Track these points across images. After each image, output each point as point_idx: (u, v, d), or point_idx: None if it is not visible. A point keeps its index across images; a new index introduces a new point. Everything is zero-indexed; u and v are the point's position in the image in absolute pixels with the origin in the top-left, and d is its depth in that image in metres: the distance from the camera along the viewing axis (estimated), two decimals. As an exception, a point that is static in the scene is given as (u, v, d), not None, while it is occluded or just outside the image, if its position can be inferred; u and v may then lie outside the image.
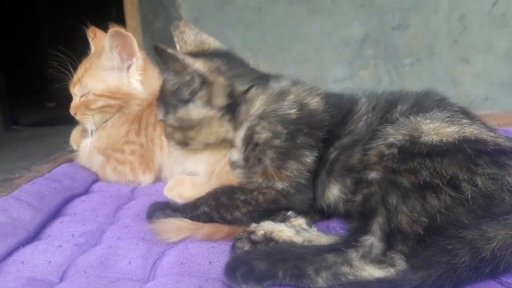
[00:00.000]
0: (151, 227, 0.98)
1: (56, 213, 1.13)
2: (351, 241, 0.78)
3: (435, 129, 0.84)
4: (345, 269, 0.74)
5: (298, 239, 0.87)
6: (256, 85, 1.04)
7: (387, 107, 0.98)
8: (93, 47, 1.45)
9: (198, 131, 1.03)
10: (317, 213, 1.01)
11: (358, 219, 0.83)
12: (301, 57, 2.51)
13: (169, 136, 1.08)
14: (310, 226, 0.95)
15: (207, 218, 0.98)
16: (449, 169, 0.78)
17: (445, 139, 0.82)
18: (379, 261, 0.75)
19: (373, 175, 0.83)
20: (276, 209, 0.96)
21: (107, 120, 1.37)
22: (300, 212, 0.98)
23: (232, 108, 1.02)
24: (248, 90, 1.03)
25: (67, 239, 0.99)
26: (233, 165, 1.05)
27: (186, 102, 1.01)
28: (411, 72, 2.45)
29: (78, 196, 1.24)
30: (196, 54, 1.06)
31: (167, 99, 1.04)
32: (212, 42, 1.14)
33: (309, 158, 0.96)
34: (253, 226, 0.90)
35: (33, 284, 0.82)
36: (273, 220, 0.93)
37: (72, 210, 1.15)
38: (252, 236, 0.87)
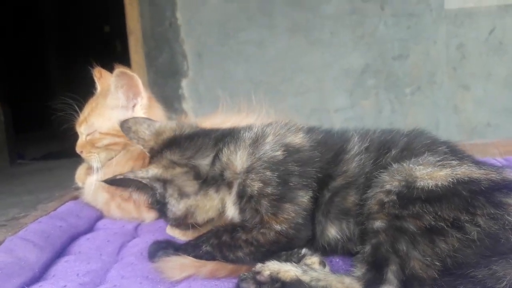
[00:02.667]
0: (155, 265, 0.97)
1: (61, 252, 1.13)
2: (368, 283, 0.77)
3: (428, 174, 0.84)
4: None
5: (305, 278, 0.85)
6: (225, 145, 1.03)
7: (380, 150, 0.98)
8: (99, 87, 1.48)
9: (194, 217, 1.02)
10: (319, 251, 1.01)
11: (371, 270, 0.81)
12: (302, 88, 2.55)
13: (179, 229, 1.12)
14: (324, 266, 0.94)
15: (210, 257, 0.97)
16: (450, 212, 0.78)
17: (440, 183, 0.82)
18: None
19: (378, 224, 0.82)
20: (278, 249, 0.95)
21: (112, 158, 1.39)
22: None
23: (212, 180, 1.01)
24: (216, 157, 1.02)
25: (72, 278, 0.98)
26: (233, 220, 1.03)
27: (164, 204, 1.01)
28: (413, 101, 2.47)
29: (83, 234, 1.25)
30: (157, 150, 1.07)
31: (158, 210, 1.06)
32: (164, 129, 1.12)
33: (304, 198, 0.95)
34: (258, 266, 0.89)
35: (37, 326, 0.82)
36: (289, 260, 0.93)
37: (77, 248, 1.15)
38: (258, 277, 0.86)
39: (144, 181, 0.98)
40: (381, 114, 2.48)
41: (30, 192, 2.79)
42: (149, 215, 1.36)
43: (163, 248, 1.02)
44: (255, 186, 0.95)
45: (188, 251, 0.99)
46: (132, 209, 1.36)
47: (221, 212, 1.04)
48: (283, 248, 0.96)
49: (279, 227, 0.93)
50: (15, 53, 5.86)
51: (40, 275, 1.02)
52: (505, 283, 0.71)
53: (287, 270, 0.87)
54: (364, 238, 0.86)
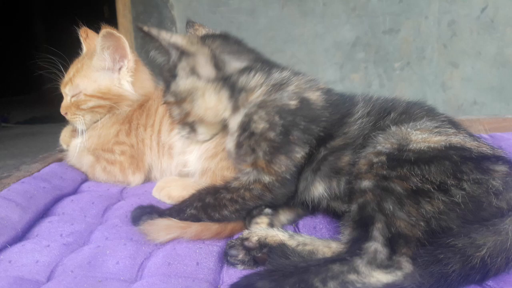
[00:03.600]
0: (140, 228, 0.98)
1: (44, 213, 1.13)
2: (354, 249, 0.78)
3: (423, 138, 0.86)
4: (352, 277, 0.73)
5: (292, 243, 0.87)
6: (259, 69, 1.04)
7: (381, 114, 1.00)
8: (85, 48, 1.45)
9: (191, 103, 1.04)
10: (300, 206, 1.03)
11: (356, 228, 0.82)
12: (293, 59, 2.53)
13: (172, 117, 1.11)
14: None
15: (195, 220, 0.98)
16: (437, 176, 0.80)
17: (432, 145, 0.84)
18: (386, 266, 0.74)
19: (365, 183, 0.84)
20: (261, 205, 0.98)
21: (97, 121, 1.37)
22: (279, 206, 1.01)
23: (231, 86, 1.03)
24: (246, 71, 1.04)
25: (55, 238, 0.99)
26: (229, 152, 1.05)
27: (174, 76, 1.02)
28: (401, 76, 2.47)
29: (67, 196, 1.24)
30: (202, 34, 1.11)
31: (164, 78, 1.07)
32: (200, 29, 1.18)
33: (299, 154, 0.97)
34: (246, 232, 0.90)
35: (20, 284, 0.82)
36: (250, 215, 0.97)
37: (61, 210, 1.15)
38: (246, 243, 0.87)
39: (163, 42, 0.99)
40: (369, 88, 2.48)
41: (14, 156, 2.76)
42: (135, 179, 1.36)
43: (148, 213, 1.02)
44: (261, 124, 0.97)
45: (172, 215, 1.00)
46: (117, 172, 1.35)
47: (221, 126, 1.07)
48: (266, 203, 0.99)
49: (268, 179, 0.96)
50: (-2, 15, 5.68)
51: (23, 235, 1.02)
52: (484, 251, 0.73)
53: (274, 235, 0.88)
54: (351, 197, 0.88)
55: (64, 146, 1.47)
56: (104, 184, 1.36)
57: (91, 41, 1.42)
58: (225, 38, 1.09)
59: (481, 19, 2.36)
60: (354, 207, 0.84)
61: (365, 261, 0.75)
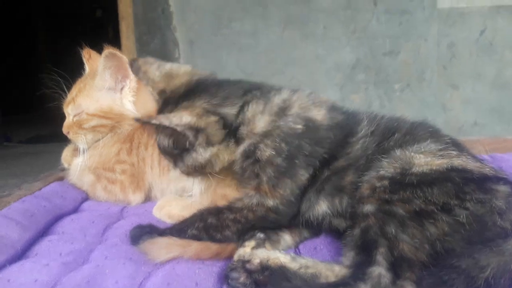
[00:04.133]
0: (140, 246, 0.97)
1: (44, 232, 1.12)
2: (358, 274, 0.77)
3: (427, 162, 0.86)
4: None
5: (294, 265, 0.85)
6: (254, 99, 1.03)
7: (385, 134, 0.99)
8: (87, 68, 1.47)
9: (212, 166, 1.02)
10: (305, 226, 1.01)
11: (360, 253, 0.81)
12: (294, 81, 2.55)
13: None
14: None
15: (196, 240, 0.97)
16: (440, 197, 0.80)
17: (434, 167, 0.84)
18: None
19: (368, 207, 0.84)
20: (265, 225, 0.98)
21: (99, 140, 1.38)
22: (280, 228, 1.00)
23: (235, 130, 1.02)
24: (241, 109, 1.02)
25: (55, 257, 0.98)
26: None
27: (188, 151, 1.01)
28: (401, 97, 2.49)
29: (67, 214, 1.24)
30: (170, 94, 1.06)
31: (170, 154, 1.05)
32: (178, 71, 1.10)
33: (304, 176, 0.97)
34: (247, 255, 0.89)
35: (18, 303, 0.81)
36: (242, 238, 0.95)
37: (61, 229, 1.15)
38: (248, 266, 0.85)
39: (178, 128, 0.96)
40: (370, 109, 2.50)
41: (15, 175, 2.77)
42: (135, 198, 1.36)
43: (147, 232, 1.01)
44: (267, 152, 0.96)
45: (173, 235, 0.98)
46: (118, 191, 1.35)
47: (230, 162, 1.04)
48: (270, 223, 0.98)
49: (272, 203, 0.96)
50: (3, 35, 5.77)
51: (23, 254, 1.01)
52: (488, 271, 0.72)
53: (276, 257, 0.86)
54: (354, 221, 0.87)
55: (66, 165, 1.47)
56: (104, 203, 1.36)
57: (94, 62, 1.44)
58: (210, 86, 1.05)
59: (480, 42, 2.39)
60: (356, 231, 0.83)
61: (368, 286, 0.74)
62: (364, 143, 0.98)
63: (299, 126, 0.98)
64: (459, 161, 0.87)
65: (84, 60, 1.47)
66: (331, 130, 1.00)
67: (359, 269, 0.77)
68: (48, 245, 1.04)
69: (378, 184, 0.85)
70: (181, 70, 1.10)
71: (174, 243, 0.95)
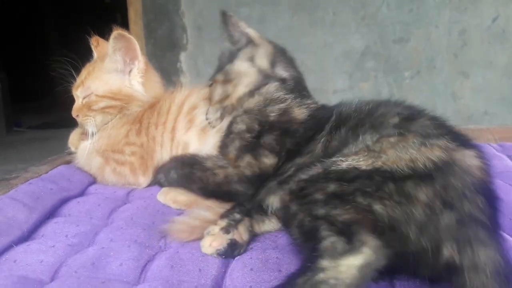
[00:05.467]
0: (164, 227, 1.00)
1: (51, 214, 1.13)
2: (311, 254, 0.71)
3: (349, 165, 0.81)
4: (320, 276, 0.66)
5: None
6: (287, 90, 1.12)
7: (334, 131, 0.95)
8: (95, 55, 1.48)
9: (235, 87, 1.14)
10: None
11: (306, 242, 0.78)
12: (302, 68, 2.49)
13: (210, 98, 1.21)
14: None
15: (176, 184, 1.14)
16: (356, 185, 0.76)
17: (357, 167, 0.79)
18: (349, 249, 0.67)
19: (293, 207, 0.83)
20: (220, 194, 1.06)
21: (108, 122, 1.39)
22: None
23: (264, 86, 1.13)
24: (282, 83, 1.13)
25: (60, 239, 0.99)
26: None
27: (232, 60, 1.15)
28: (411, 85, 2.46)
29: (73, 197, 1.24)
30: None
31: (220, 61, 1.20)
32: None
33: (269, 159, 1.02)
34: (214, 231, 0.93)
35: (24, 283, 0.82)
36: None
37: (67, 211, 1.16)
38: None
39: (239, 29, 1.19)
40: (379, 97, 2.47)
41: (25, 160, 2.80)
42: (145, 180, 1.36)
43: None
44: (239, 126, 1.07)
45: (163, 170, 1.17)
46: (127, 173, 1.36)
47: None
48: (224, 194, 1.06)
49: (230, 171, 1.04)
50: (12, 22, 5.80)
51: (29, 235, 1.02)
52: None
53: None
54: (289, 224, 0.86)
55: (73, 149, 1.48)
56: (110, 187, 1.36)
57: (102, 48, 1.45)
58: (284, 50, 1.23)
59: (492, 29, 2.35)
60: (295, 230, 0.82)
61: (326, 256, 0.68)
62: (324, 141, 0.95)
63: (273, 115, 1.05)
64: (386, 159, 0.78)
65: (93, 47, 1.48)
66: (303, 125, 1.04)
67: (311, 252, 0.72)
68: (54, 227, 1.05)
69: (294, 187, 0.85)
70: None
71: (198, 225, 0.98)
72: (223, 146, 1.08)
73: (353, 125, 0.91)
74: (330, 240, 0.70)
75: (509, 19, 2.33)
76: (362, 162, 0.79)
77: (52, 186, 1.22)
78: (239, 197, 1.03)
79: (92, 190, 1.34)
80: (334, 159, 0.84)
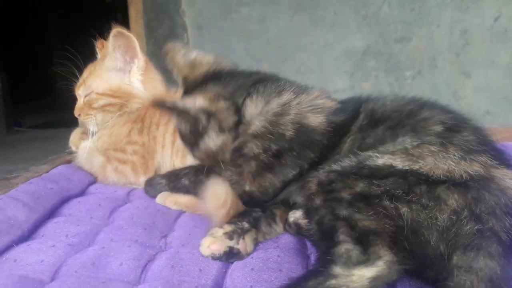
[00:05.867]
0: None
1: (51, 213, 1.13)
2: (325, 258, 0.72)
3: (384, 162, 0.80)
4: (332, 282, 0.67)
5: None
6: (252, 95, 1.04)
7: (370, 129, 0.93)
8: (99, 56, 1.48)
9: (223, 155, 1.05)
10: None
11: (322, 241, 0.78)
12: (303, 67, 2.53)
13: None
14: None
15: (185, 191, 1.09)
16: (386, 184, 0.75)
17: (392, 164, 0.78)
18: (364, 260, 0.69)
19: (316, 201, 0.82)
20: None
21: (108, 121, 1.39)
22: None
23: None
24: (245, 100, 1.04)
25: (61, 239, 0.99)
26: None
27: (202, 136, 1.03)
28: (413, 85, 2.46)
29: (74, 197, 1.24)
30: (191, 82, 1.10)
31: (188, 141, 1.09)
32: (201, 61, 1.14)
33: (289, 174, 0.98)
34: (217, 234, 0.92)
35: (24, 283, 0.82)
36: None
37: (68, 211, 1.15)
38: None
39: (192, 112, 0.99)
40: (380, 97, 2.47)
41: (25, 160, 2.80)
42: (145, 179, 1.36)
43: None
44: (254, 149, 0.98)
45: (170, 179, 1.15)
46: (129, 172, 1.35)
47: None
48: (243, 203, 1.00)
49: (248, 188, 0.99)
50: (13, 22, 5.80)
51: (29, 235, 1.02)
52: None
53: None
54: (309, 218, 0.86)
55: (74, 148, 1.48)
56: (111, 187, 1.36)
57: (105, 49, 1.45)
58: (225, 76, 1.09)
59: (494, 28, 2.34)
60: (313, 226, 0.82)
61: (339, 264, 0.69)
62: (352, 141, 0.94)
63: (290, 132, 0.97)
64: (423, 165, 0.77)
65: (97, 50, 1.49)
66: (325, 135, 0.97)
67: (325, 254, 0.73)
68: (55, 226, 1.05)
69: (324, 178, 0.83)
70: (204, 60, 1.14)
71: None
72: (235, 165, 1.01)
73: (392, 125, 0.90)
74: (346, 246, 0.71)
75: (511, 19, 2.32)
76: (399, 162, 0.78)
77: (52, 185, 1.22)
78: (260, 204, 1.01)
79: (93, 189, 1.33)
80: (370, 153, 0.83)
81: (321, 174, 0.85)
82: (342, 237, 0.72)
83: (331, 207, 0.78)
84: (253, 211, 0.98)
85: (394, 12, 2.40)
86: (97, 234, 1.03)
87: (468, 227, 0.70)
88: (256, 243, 0.95)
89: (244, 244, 0.91)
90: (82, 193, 1.30)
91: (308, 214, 0.88)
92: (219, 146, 1.03)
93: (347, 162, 0.84)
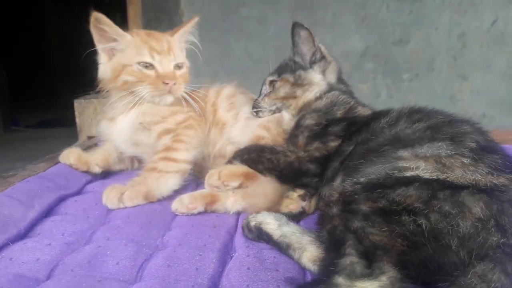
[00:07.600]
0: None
1: (48, 212, 1.13)
2: (329, 268, 0.74)
3: (415, 168, 0.83)
4: None
5: (277, 233, 0.94)
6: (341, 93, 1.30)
7: (405, 124, 1.03)
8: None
9: (304, 92, 1.32)
10: None
11: (329, 251, 0.80)
12: (301, 68, 2.53)
13: (274, 92, 1.37)
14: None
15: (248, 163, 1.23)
16: (407, 199, 0.77)
17: (421, 174, 0.81)
18: (367, 274, 0.70)
19: (333, 210, 0.83)
20: (289, 173, 1.17)
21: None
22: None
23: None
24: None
25: (57, 238, 0.99)
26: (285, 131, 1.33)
27: (306, 68, 1.33)
28: (410, 87, 2.46)
29: (71, 196, 1.24)
30: None
31: (294, 63, 1.36)
32: None
33: (334, 143, 1.16)
34: (251, 216, 1.01)
35: (19, 281, 0.82)
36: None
37: (64, 209, 1.15)
38: (249, 225, 1.00)
39: (315, 43, 1.34)
40: (378, 99, 2.47)
41: (22, 159, 2.79)
42: None
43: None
44: (308, 121, 1.23)
45: (234, 158, 1.26)
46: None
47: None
48: (293, 173, 1.16)
49: (301, 154, 1.17)
50: (12, 22, 5.78)
51: (26, 233, 1.01)
52: None
53: (267, 222, 0.97)
54: (322, 224, 0.87)
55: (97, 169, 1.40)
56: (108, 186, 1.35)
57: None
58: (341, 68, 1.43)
59: (491, 32, 2.35)
60: (324, 233, 0.84)
61: (343, 275, 0.70)
62: (384, 125, 1.06)
63: (340, 112, 1.23)
64: (451, 175, 0.80)
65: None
66: (367, 117, 1.20)
67: (330, 265, 0.74)
68: (51, 225, 1.05)
69: (349, 188, 0.85)
70: None
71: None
72: (292, 137, 1.24)
73: (433, 126, 0.97)
74: (351, 259, 0.72)
75: (508, 22, 2.33)
76: (427, 173, 0.81)
77: (49, 184, 1.22)
78: (308, 176, 1.16)
79: (89, 188, 1.33)
80: (401, 163, 0.86)
81: (347, 184, 0.87)
82: (348, 250, 0.74)
83: (346, 218, 0.79)
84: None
85: (392, 14, 2.40)
86: (94, 233, 1.03)
87: (494, 238, 0.71)
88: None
89: (309, 206, 1.14)
90: (79, 192, 1.30)
91: (322, 220, 0.89)
92: (312, 81, 1.32)
93: (376, 171, 0.87)
